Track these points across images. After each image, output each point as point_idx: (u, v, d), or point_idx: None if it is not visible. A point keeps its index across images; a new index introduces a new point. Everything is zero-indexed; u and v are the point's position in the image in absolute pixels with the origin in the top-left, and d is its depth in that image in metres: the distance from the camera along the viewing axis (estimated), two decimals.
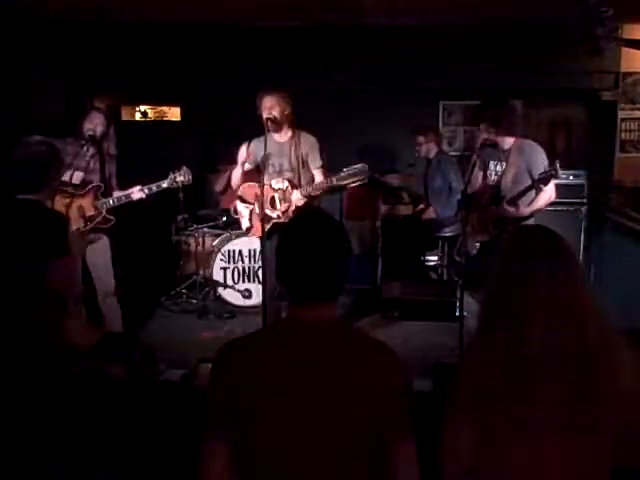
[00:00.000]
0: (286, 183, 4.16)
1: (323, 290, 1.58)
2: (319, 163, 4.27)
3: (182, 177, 4.21)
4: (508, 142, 3.94)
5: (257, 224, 4.24)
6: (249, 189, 4.34)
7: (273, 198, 4.21)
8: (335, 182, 4.09)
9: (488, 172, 4.09)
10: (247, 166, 4.27)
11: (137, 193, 4.15)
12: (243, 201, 4.37)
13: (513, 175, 3.89)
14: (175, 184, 4.21)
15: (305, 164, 4.23)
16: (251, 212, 4.33)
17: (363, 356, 1.58)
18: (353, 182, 4.06)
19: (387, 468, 1.54)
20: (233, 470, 1.56)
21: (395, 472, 1.54)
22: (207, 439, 1.58)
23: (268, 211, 4.15)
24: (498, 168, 4.02)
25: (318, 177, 4.24)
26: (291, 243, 1.60)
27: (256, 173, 4.28)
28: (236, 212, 4.49)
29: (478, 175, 4.13)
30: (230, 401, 1.54)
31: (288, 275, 1.60)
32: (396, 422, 1.55)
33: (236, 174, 4.31)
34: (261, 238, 4.05)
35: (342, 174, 4.03)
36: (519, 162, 3.87)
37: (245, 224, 4.41)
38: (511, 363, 1.52)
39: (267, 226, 4.11)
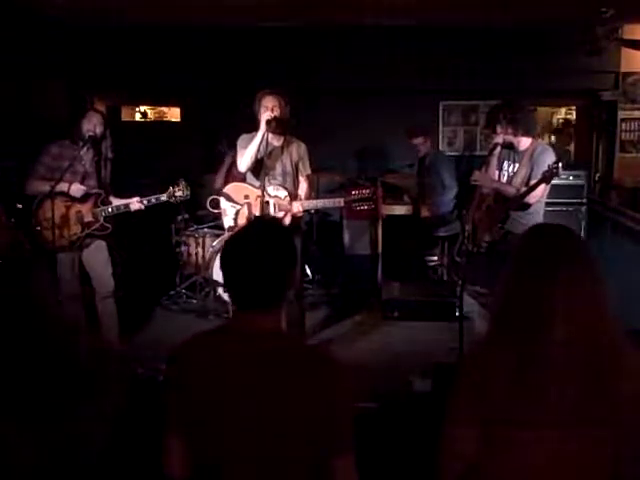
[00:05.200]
0: (284, 192, 4.15)
1: (260, 298, 1.61)
2: (309, 171, 4.30)
3: (181, 192, 4.24)
4: (524, 144, 3.92)
5: (243, 225, 4.25)
6: (236, 189, 4.32)
7: (267, 203, 4.17)
8: (342, 204, 4.24)
9: (502, 173, 4.07)
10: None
11: (136, 204, 4.17)
12: (229, 200, 4.35)
13: (523, 177, 3.88)
14: (174, 198, 4.24)
15: (296, 170, 4.24)
16: (237, 212, 4.31)
17: (300, 367, 1.59)
18: (360, 205, 4.13)
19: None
20: (187, 463, 1.63)
21: None
22: (165, 434, 1.65)
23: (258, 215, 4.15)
24: (511, 169, 4.00)
25: (303, 184, 4.27)
26: (231, 251, 1.65)
27: (240, 174, 4.28)
28: (216, 207, 4.47)
29: (493, 175, 4.11)
30: (180, 400, 1.62)
31: (229, 282, 1.64)
32: (334, 436, 1.57)
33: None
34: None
35: (351, 197, 4.13)
36: (530, 164, 3.86)
37: (228, 223, 4.37)
38: (519, 362, 1.51)
39: None
